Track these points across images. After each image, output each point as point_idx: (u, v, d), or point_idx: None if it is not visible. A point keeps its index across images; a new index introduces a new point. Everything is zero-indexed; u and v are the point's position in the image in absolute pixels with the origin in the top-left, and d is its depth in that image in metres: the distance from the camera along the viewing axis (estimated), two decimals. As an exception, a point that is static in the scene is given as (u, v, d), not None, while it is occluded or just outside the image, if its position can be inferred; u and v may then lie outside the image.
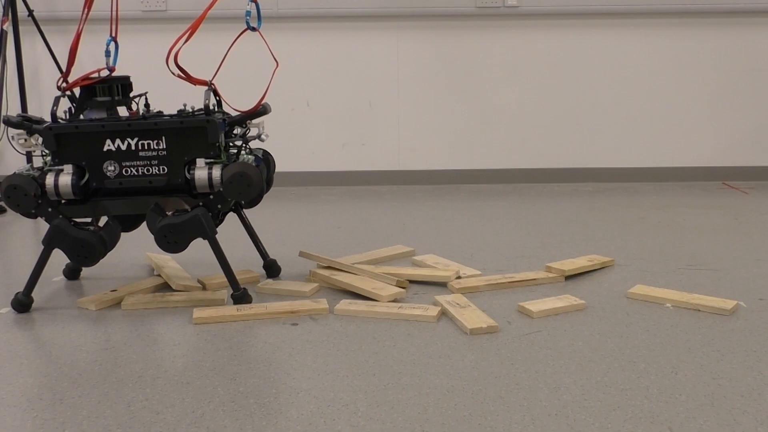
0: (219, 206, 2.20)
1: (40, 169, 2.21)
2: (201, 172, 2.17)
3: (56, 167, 2.18)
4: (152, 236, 2.31)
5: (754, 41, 4.06)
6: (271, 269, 2.51)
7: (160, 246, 2.15)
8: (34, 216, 2.20)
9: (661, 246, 2.83)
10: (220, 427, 1.52)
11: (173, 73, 2.25)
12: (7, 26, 3.72)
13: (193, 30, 2.20)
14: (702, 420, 1.53)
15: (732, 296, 2.25)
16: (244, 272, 2.48)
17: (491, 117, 4.14)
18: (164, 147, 2.18)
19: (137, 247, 2.90)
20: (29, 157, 4.00)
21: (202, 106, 2.22)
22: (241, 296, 2.21)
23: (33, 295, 2.25)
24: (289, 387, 1.70)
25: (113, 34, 2.28)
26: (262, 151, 2.43)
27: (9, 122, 2.18)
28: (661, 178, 4.18)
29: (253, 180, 2.14)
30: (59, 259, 2.75)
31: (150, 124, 2.16)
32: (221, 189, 2.16)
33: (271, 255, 2.74)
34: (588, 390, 1.67)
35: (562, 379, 1.72)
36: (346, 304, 2.17)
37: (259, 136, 2.28)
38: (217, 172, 2.16)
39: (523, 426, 1.51)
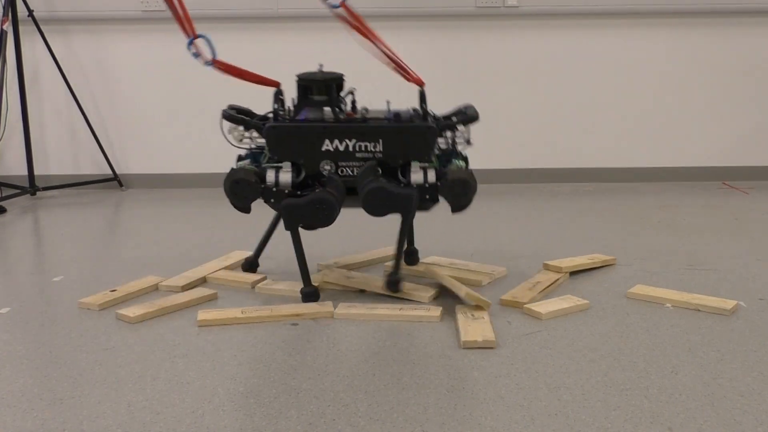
0: (427, 204, 2.24)
1: (255, 162, 2.27)
2: (417, 175, 2.22)
3: (275, 164, 2.23)
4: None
5: (754, 41, 4.06)
6: (412, 257, 2.57)
7: (363, 206, 2.17)
8: (263, 199, 2.23)
9: (661, 246, 2.83)
10: (220, 427, 1.52)
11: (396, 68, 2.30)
12: (7, 26, 3.71)
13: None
14: (702, 420, 1.53)
15: (732, 296, 2.25)
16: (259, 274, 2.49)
17: (491, 117, 4.13)
18: (380, 149, 2.22)
19: (137, 246, 2.90)
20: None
21: (409, 108, 2.30)
22: (395, 281, 2.23)
23: (34, 294, 2.25)
24: (289, 387, 1.70)
25: (192, 34, 2.26)
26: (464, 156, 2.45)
27: (230, 117, 2.25)
28: (661, 178, 4.18)
29: (471, 189, 2.21)
30: (60, 258, 2.75)
31: (370, 128, 2.21)
32: (439, 187, 2.20)
33: (272, 254, 2.74)
34: (588, 390, 1.67)
35: (562, 379, 1.72)
36: (345, 308, 2.16)
37: (467, 141, 2.30)
38: (432, 176, 2.21)
39: (523, 426, 1.51)
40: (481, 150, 4.17)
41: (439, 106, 4.17)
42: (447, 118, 2.35)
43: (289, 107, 2.32)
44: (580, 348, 1.90)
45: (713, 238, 2.94)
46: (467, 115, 2.29)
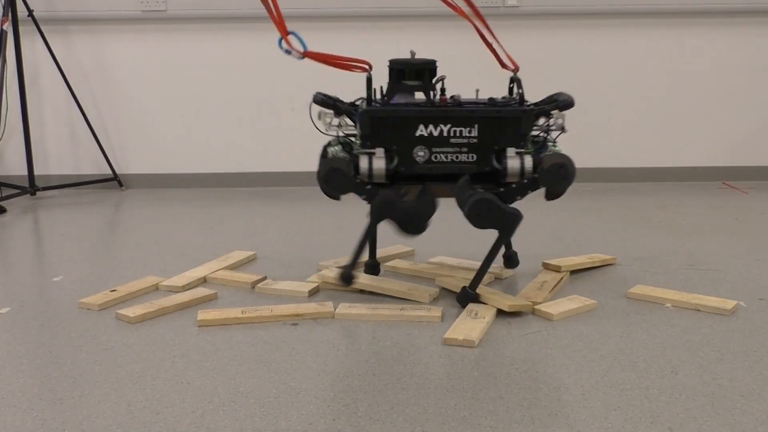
0: (526, 192, 2.19)
1: (347, 150, 2.23)
2: (514, 161, 2.16)
3: (367, 150, 2.18)
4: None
5: (753, 41, 4.06)
6: (511, 260, 2.54)
7: (469, 218, 2.12)
8: (353, 191, 2.19)
9: (661, 246, 2.83)
10: (220, 427, 1.52)
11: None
12: (7, 26, 3.72)
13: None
14: (702, 420, 1.53)
15: (732, 296, 2.25)
16: (258, 275, 2.48)
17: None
18: (476, 135, 2.17)
19: (137, 246, 2.90)
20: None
21: (502, 95, 2.24)
22: (468, 296, 2.19)
23: (34, 294, 2.25)
24: (289, 387, 1.70)
25: (284, 33, 2.24)
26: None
27: (322, 101, 2.20)
28: (661, 178, 4.18)
29: (570, 174, 2.14)
30: (60, 258, 2.75)
31: (465, 112, 2.16)
32: (535, 176, 2.15)
33: (272, 255, 2.74)
34: (588, 390, 1.67)
35: (562, 379, 1.72)
36: (345, 308, 2.16)
37: (562, 128, 2.23)
38: (528, 161, 2.16)
39: (523, 426, 1.51)
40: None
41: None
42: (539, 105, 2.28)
43: (380, 90, 2.27)
44: (580, 348, 1.90)
45: (713, 238, 2.94)
46: (562, 101, 2.20)
